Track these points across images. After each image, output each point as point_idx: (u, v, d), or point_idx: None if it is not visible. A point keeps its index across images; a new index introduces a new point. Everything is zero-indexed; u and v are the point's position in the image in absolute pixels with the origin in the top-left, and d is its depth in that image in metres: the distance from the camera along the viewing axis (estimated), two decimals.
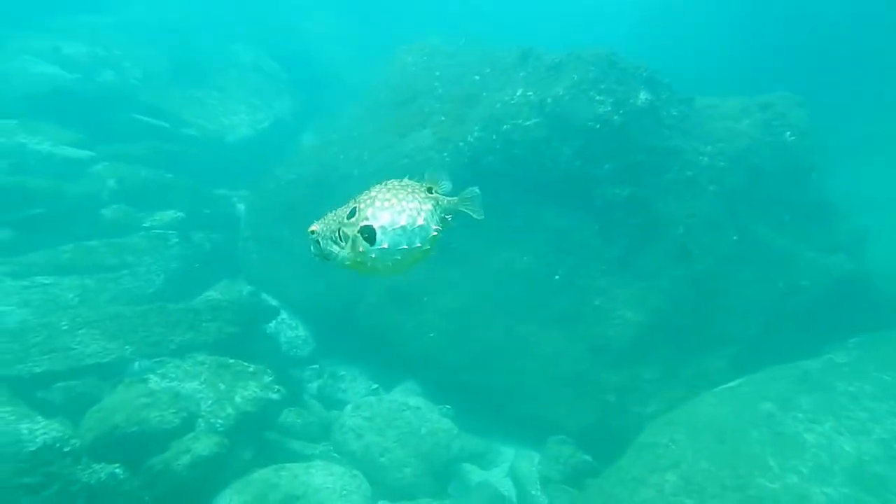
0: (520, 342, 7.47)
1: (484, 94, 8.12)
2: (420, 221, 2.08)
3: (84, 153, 9.65)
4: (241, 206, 10.31)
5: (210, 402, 6.20)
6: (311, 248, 2.27)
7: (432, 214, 2.13)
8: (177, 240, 8.96)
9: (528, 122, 7.31)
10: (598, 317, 7.06)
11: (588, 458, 6.39)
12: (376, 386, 8.20)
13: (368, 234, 2.05)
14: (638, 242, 6.94)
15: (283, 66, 15.11)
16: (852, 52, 11.40)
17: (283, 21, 15.97)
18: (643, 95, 6.77)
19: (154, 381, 6.01)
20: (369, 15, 16.29)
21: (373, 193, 2.13)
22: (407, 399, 7.60)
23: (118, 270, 7.99)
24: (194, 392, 6.17)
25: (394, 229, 2.05)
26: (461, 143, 7.96)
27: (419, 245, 2.08)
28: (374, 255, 2.07)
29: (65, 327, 6.11)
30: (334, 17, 16.62)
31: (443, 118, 8.36)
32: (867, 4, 11.24)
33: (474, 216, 2.28)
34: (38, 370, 5.76)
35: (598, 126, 6.94)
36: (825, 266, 7.33)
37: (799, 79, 8.77)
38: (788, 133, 7.48)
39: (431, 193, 2.17)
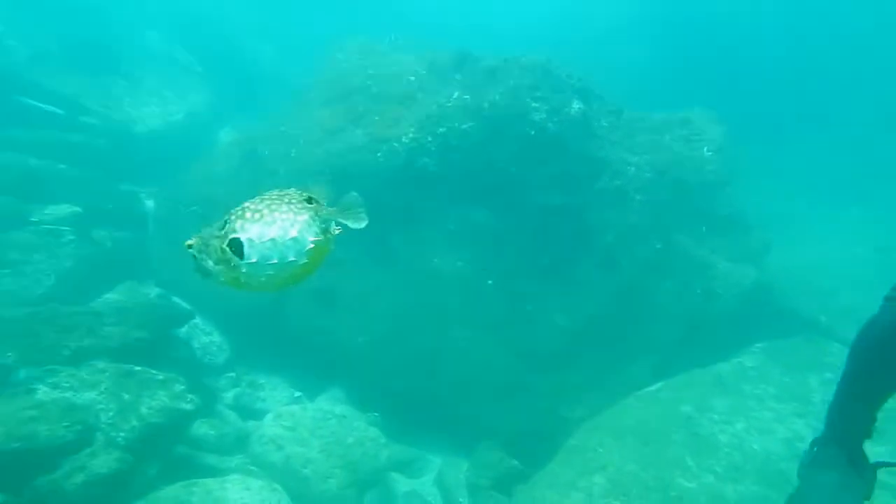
0: (453, 347, 7.45)
1: (419, 95, 8.12)
2: (293, 233, 1.94)
3: None
4: (150, 203, 9.57)
5: (111, 413, 5.61)
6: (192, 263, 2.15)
7: (308, 226, 1.99)
8: (72, 237, 8.13)
9: (464, 126, 7.39)
10: (529, 322, 7.19)
11: (517, 463, 6.45)
12: (299, 394, 7.85)
13: (237, 247, 1.94)
14: (570, 249, 7.18)
15: (201, 58, 14.32)
16: (767, 68, 12.62)
17: (204, 11, 15.18)
18: (576, 105, 7.07)
19: (43, 392, 5.36)
20: (297, 10, 15.88)
21: (245, 204, 2.03)
22: (333, 407, 7.33)
23: None
24: (92, 403, 5.56)
25: (262, 242, 1.93)
26: (395, 144, 7.89)
27: (293, 259, 1.95)
28: (244, 270, 1.95)
29: None
30: (259, 10, 16.04)
31: (377, 118, 8.26)
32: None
33: (352, 226, 2.16)
34: None
35: (532, 132, 7.14)
36: (737, 275, 7.96)
37: (717, 95, 9.54)
38: (706, 148, 8.09)
39: (311, 203, 2.05)
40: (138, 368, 6.24)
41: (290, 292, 8.58)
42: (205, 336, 8.28)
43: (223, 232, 1.97)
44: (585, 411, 6.45)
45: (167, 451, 6.07)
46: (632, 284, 7.21)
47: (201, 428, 6.81)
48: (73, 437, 5.16)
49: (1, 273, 6.97)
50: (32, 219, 7.87)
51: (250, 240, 1.92)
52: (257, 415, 7.67)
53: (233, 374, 8.11)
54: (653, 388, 6.41)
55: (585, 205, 7.29)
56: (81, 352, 6.06)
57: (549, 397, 6.79)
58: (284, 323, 8.39)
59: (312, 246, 1.98)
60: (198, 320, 8.30)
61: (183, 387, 6.40)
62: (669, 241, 7.45)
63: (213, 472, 6.27)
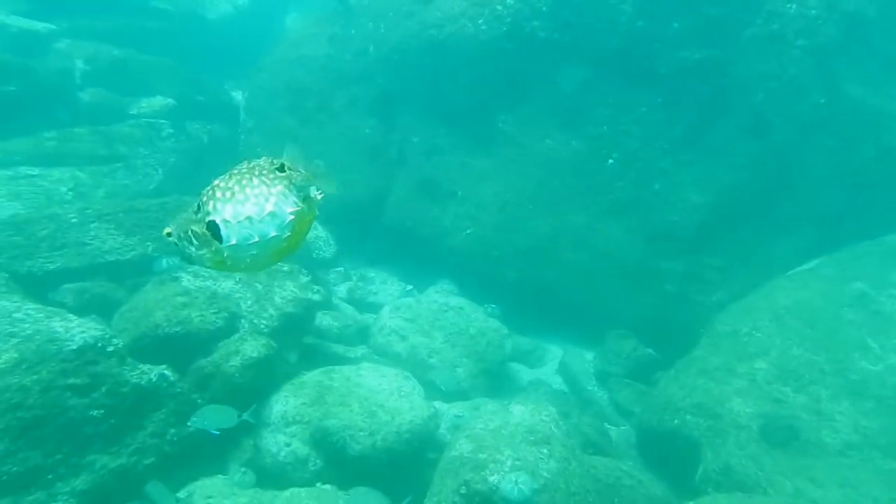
0: (569, 235, 7.16)
1: None
2: (269, 207, 1.85)
3: (42, 26, 8.36)
4: (238, 94, 9.31)
5: (249, 302, 5.76)
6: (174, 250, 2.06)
7: (285, 196, 1.89)
8: (170, 130, 8.07)
9: None
10: (658, 202, 6.72)
11: (651, 351, 6.34)
12: (411, 287, 7.89)
13: (214, 230, 1.86)
14: (707, 114, 6.45)
15: None
16: None
17: None
18: None
19: (187, 280, 5.50)
20: None
21: (214, 182, 1.91)
22: (447, 299, 7.34)
23: (111, 163, 7.16)
24: (231, 292, 5.70)
25: (239, 222, 1.84)
26: (499, 8, 7.16)
27: (276, 234, 1.86)
28: (226, 254, 1.88)
29: (74, 220, 5.42)
30: None
31: None
32: None
33: (327, 190, 2.05)
34: (51, 267, 5.16)
35: None
36: None
37: None
38: None
39: (283, 171, 1.92)
40: None
41: (391, 184, 8.42)
42: (310, 231, 8.30)
43: (199, 216, 1.86)
44: (725, 295, 6.14)
45: (300, 340, 6.27)
46: (784, 148, 6.35)
47: (324, 320, 7.01)
48: (223, 323, 5.34)
49: (115, 167, 7.02)
50: (131, 111, 7.80)
51: (226, 221, 1.82)
52: (372, 308, 7.82)
53: (341, 269, 8.22)
54: (809, 265, 5.91)
55: (730, 58, 6.32)
56: None
57: (682, 282, 6.47)
58: (388, 216, 8.30)
59: (293, 217, 1.87)
60: None
61: (307, 278, 6.50)
62: (837, 92, 6.39)
63: (342, 361, 6.49)
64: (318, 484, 4.87)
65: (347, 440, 5.08)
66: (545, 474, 3.81)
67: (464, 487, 3.94)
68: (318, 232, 8.37)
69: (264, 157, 2.01)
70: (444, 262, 7.98)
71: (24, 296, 4.85)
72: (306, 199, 1.94)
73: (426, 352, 6.70)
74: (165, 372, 4.70)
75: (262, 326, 5.65)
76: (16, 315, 4.16)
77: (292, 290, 6.19)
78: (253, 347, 5.31)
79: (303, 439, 5.12)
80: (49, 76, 7.39)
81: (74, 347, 4.20)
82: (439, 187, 7.91)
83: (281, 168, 1.93)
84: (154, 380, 4.58)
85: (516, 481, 3.74)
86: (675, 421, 4.89)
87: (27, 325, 4.13)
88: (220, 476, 4.82)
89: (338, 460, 5.03)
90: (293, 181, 1.93)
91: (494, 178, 7.61)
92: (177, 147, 7.91)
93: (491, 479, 3.91)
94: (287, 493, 4.68)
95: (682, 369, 5.45)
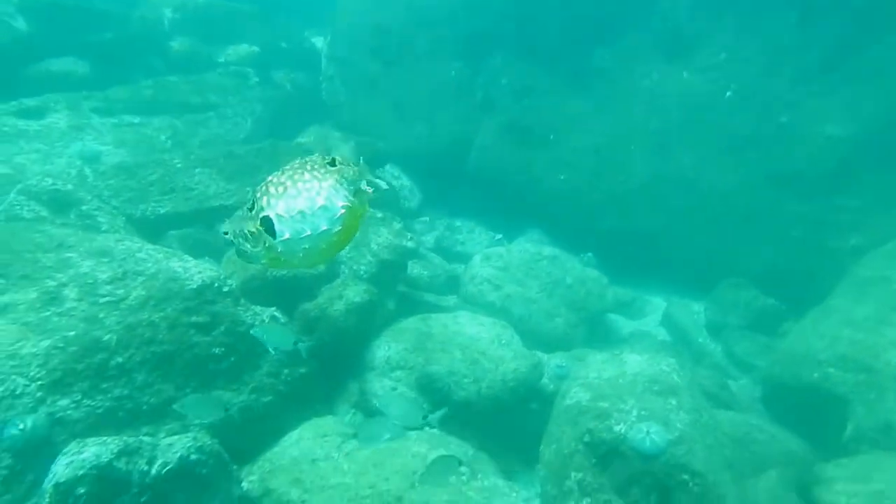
0: (674, 178, 6.68)
1: None
2: (320, 201, 1.87)
3: None
4: (320, 41, 9.15)
5: (347, 248, 5.71)
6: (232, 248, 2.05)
7: (336, 190, 1.90)
8: (256, 79, 8.04)
9: None
10: (784, 138, 6.09)
11: (773, 301, 5.88)
12: (500, 236, 7.67)
13: (268, 225, 1.87)
14: (857, 33, 5.68)
15: None
16: None
17: None
18: None
19: None
20: None
21: (268, 178, 1.93)
22: (539, 249, 7.07)
23: (204, 111, 7.22)
24: None
25: (292, 216, 1.87)
26: None
27: (327, 228, 1.87)
28: (280, 249, 1.89)
29: (179, 165, 5.49)
30: None
31: None
32: None
33: (382, 186, 2.08)
34: (162, 211, 5.26)
35: None
36: None
37: None
38: None
39: (334, 166, 1.91)
40: None
41: (478, 130, 8.11)
42: (394, 181, 8.18)
43: (253, 213, 1.86)
44: (863, 240, 5.55)
45: (395, 287, 6.23)
46: None
47: (414, 269, 6.94)
48: (324, 268, 5.32)
49: (207, 115, 7.07)
50: (219, 59, 7.81)
51: (279, 216, 1.82)
52: (460, 258, 7.70)
53: (426, 219, 8.09)
54: None
55: None
56: None
57: (811, 226, 5.90)
58: (474, 163, 8.04)
59: (344, 211, 1.85)
60: (385, 164, 8.19)
61: (400, 225, 6.40)
62: None
63: (435, 309, 6.41)
64: (425, 428, 4.85)
65: (452, 386, 5.03)
66: (679, 426, 3.58)
67: (587, 436, 3.78)
68: (402, 181, 8.25)
69: (317, 154, 2.01)
70: (533, 211, 7.69)
71: (142, 238, 4.98)
72: (357, 192, 1.92)
73: (521, 301, 6.52)
74: (276, 314, 4.76)
75: (361, 272, 5.63)
76: (139, 255, 4.26)
77: (387, 237, 6.11)
78: (355, 292, 5.30)
79: (408, 384, 5.12)
80: (141, 24, 7.45)
81: (194, 287, 4.28)
82: (530, 132, 7.54)
83: (332, 163, 1.91)
84: (266, 321, 4.64)
85: (648, 432, 3.53)
86: (815, 375, 4.51)
87: (150, 265, 4.22)
88: (330, 416, 4.90)
89: (443, 405, 5.00)
90: (344, 175, 1.91)
91: (591, 120, 7.16)
92: (263, 96, 7.89)
93: (616, 428, 3.73)
94: None
95: (819, 319, 4.98)
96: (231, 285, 4.56)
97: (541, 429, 5.39)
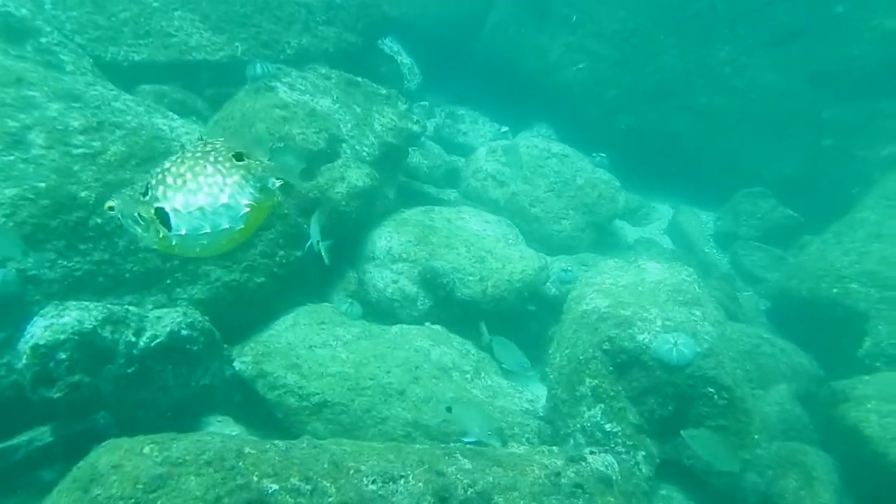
0: (707, 73, 6.26)
1: None
2: (223, 199, 1.74)
3: None
4: None
5: (350, 125, 5.22)
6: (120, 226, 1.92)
7: (241, 187, 1.77)
8: None
9: None
10: (837, 31, 5.68)
11: (793, 212, 5.75)
12: (506, 129, 7.21)
13: (163, 217, 1.74)
14: None
15: None
16: None
17: None
18: None
19: (283, 91, 4.92)
20: None
21: (165, 165, 1.77)
22: (549, 145, 6.69)
23: None
24: (330, 111, 5.14)
25: (190, 212, 1.74)
26: None
27: (229, 226, 1.77)
28: (174, 242, 1.77)
29: (156, 4, 4.71)
30: None
31: None
32: None
33: (291, 182, 2.00)
34: (137, 58, 4.59)
35: None
36: None
37: None
38: None
39: (241, 161, 1.78)
40: (360, 79, 5.66)
41: (491, 3, 7.36)
42: (394, 57, 7.46)
43: (147, 198, 1.75)
44: None
45: (397, 175, 5.82)
46: None
47: (413, 157, 6.51)
48: (324, 145, 4.87)
49: None
50: None
51: (176, 210, 1.72)
52: (461, 149, 7.27)
53: (425, 104, 7.50)
54: None
55: None
56: (302, 52, 5.50)
57: (844, 134, 5.68)
58: (484, 42, 7.38)
59: (248, 210, 1.76)
60: (385, 37, 7.42)
61: (405, 106, 5.87)
62: None
63: (436, 202, 6.10)
64: (426, 324, 4.70)
65: (457, 283, 4.83)
66: (707, 338, 3.49)
67: (607, 343, 3.67)
68: (402, 58, 7.54)
69: (221, 140, 1.86)
70: (544, 103, 7.22)
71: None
72: (264, 189, 1.79)
73: (527, 200, 6.25)
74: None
75: (364, 154, 5.18)
76: (115, 104, 3.70)
77: (391, 118, 5.61)
78: (357, 176, 4.89)
79: (410, 277, 4.89)
80: None
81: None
82: (549, 9, 6.87)
83: (239, 157, 1.78)
84: None
85: (676, 342, 3.43)
86: (835, 290, 4.48)
87: (129, 118, 3.68)
88: (326, 304, 4.67)
89: (446, 303, 4.83)
90: (251, 171, 1.78)
91: (619, 1, 6.53)
92: None
93: (640, 337, 3.62)
94: (395, 328, 4.53)
95: (843, 233, 4.89)
96: (256, 132, 4.07)
97: (538, 331, 5.36)
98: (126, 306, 3.20)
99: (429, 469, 2.53)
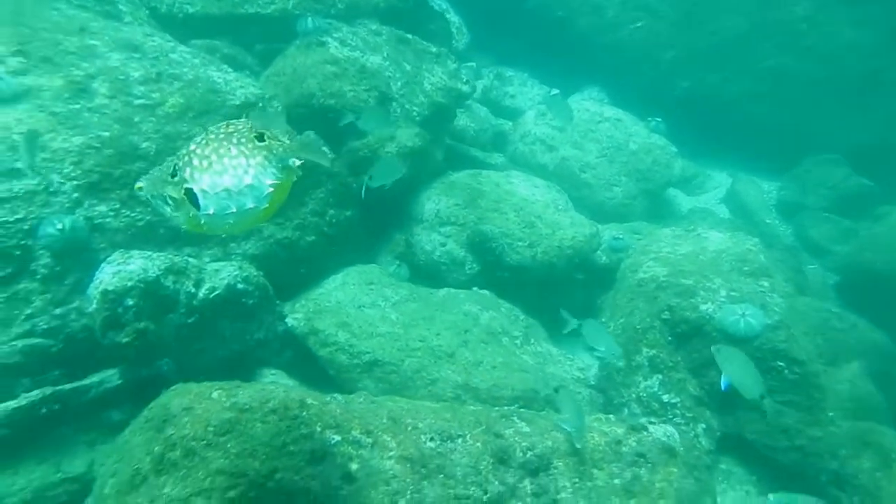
0: (777, 32, 5.89)
1: None
2: (248, 180, 1.79)
3: None
4: None
5: (399, 84, 5.13)
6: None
7: (264, 168, 1.81)
8: None
9: None
10: None
11: (868, 181, 5.44)
12: (556, 91, 6.99)
13: (192, 197, 1.79)
14: None
15: None
16: None
17: None
18: None
19: (334, 47, 4.85)
20: None
21: (192, 147, 1.82)
22: (601, 109, 6.47)
23: None
24: (380, 68, 5.05)
25: (217, 193, 1.78)
26: None
27: (254, 206, 1.81)
28: (203, 221, 1.82)
29: None
30: None
31: None
32: None
33: (320, 161, 2.02)
34: (191, 10, 4.59)
35: None
36: None
37: None
38: None
39: (263, 141, 1.81)
40: (410, 37, 5.54)
41: None
42: (444, 15, 7.27)
43: (175, 179, 1.83)
44: None
45: (444, 136, 5.73)
46: None
47: (459, 120, 6.38)
48: (375, 103, 4.78)
49: None
50: None
51: (204, 191, 1.78)
52: (508, 113, 7.10)
53: (472, 65, 7.32)
54: None
55: None
56: (353, 6, 5.39)
57: None
58: (531, 1, 7.11)
59: (272, 189, 1.83)
60: None
61: (455, 65, 5.74)
62: None
63: (483, 166, 6.00)
64: (474, 288, 4.67)
65: (506, 248, 4.77)
66: (777, 310, 3.36)
67: (666, 313, 3.58)
68: (451, 16, 7.34)
69: (243, 120, 1.93)
70: (597, 65, 6.96)
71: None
72: (285, 168, 1.85)
73: (578, 165, 6.09)
74: (324, 149, 4.30)
75: (413, 113, 5.10)
76: (172, 56, 3.70)
77: (441, 78, 5.49)
78: (408, 136, 4.83)
79: (458, 241, 4.85)
80: None
81: (237, 104, 3.80)
82: None
83: (260, 137, 1.83)
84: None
85: (743, 314, 3.31)
86: None
87: (186, 70, 3.69)
88: (374, 265, 4.68)
89: (495, 267, 4.78)
90: (273, 151, 1.83)
91: None
92: None
93: (703, 307, 3.52)
94: (443, 291, 4.52)
95: None
96: (276, 107, 4.06)
97: (585, 299, 5.27)
98: (186, 257, 3.26)
99: (486, 430, 2.53)
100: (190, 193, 1.79)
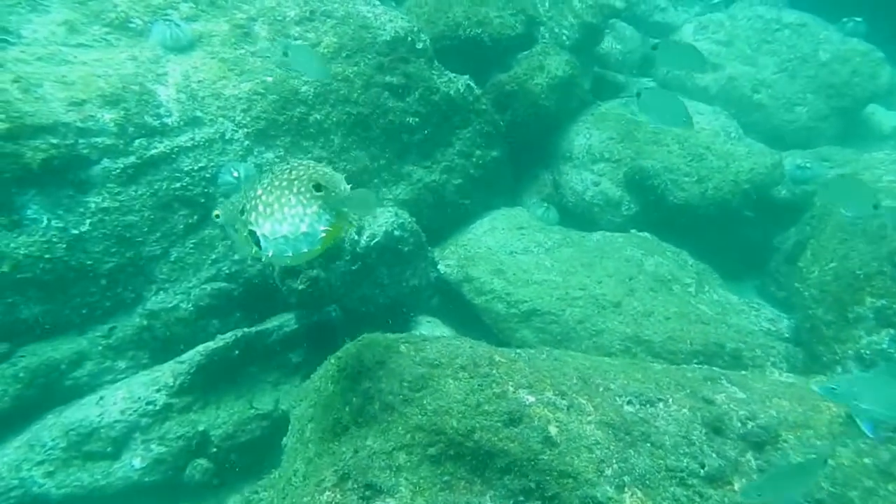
0: None
1: None
2: (304, 229, 2.04)
3: None
4: None
5: (547, 5, 4.76)
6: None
7: (319, 217, 2.05)
8: None
9: None
10: None
11: None
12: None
13: (254, 238, 2.07)
14: None
15: None
16: None
17: None
18: None
19: None
20: None
21: (258, 192, 2.07)
22: (778, 14, 5.57)
23: None
24: None
25: (275, 239, 2.03)
26: None
27: (307, 250, 2.06)
28: (263, 259, 2.10)
29: None
30: None
31: None
32: None
33: (361, 214, 2.43)
34: None
35: None
36: None
37: None
38: None
39: (320, 191, 2.05)
40: None
41: None
42: None
43: (244, 218, 2.08)
44: None
45: (593, 62, 5.26)
46: None
47: (603, 41, 5.80)
48: (522, 29, 4.49)
49: None
50: None
51: (265, 236, 2.02)
52: (657, 29, 6.39)
53: None
54: None
55: None
56: None
57: None
58: None
59: (325, 235, 2.05)
60: None
61: None
62: None
63: (623, 89, 5.44)
64: (632, 230, 4.32)
65: (669, 185, 4.35)
66: None
67: None
68: None
69: (306, 162, 2.14)
70: None
71: None
72: (339, 214, 2.05)
73: (750, 84, 5.36)
74: (471, 83, 4.08)
75: (563, 38, 4.71)
76: None
77: None
78: (557, 64, 4.47)
79: (613, 179, 4.50)
80: None
81: (387, 38, 3.66)
82: None
83: (318, 187, 2.04)
84: (461, 90, 4.03)
85: None
86: None
87: (337, 6, 3.60)
88: (520, 208, 4.48)
89: (656, 207, 4.39)
90: (328, 202, 2.04)
91: None
92: None
93: None
94: (597, 235, 4.23)
95: None
96: (425, 41, 3.86)
97: (759, 240, 4.71)
98: None
99: (691, 394, 2.31)
100: (253, 235, 2.05)
